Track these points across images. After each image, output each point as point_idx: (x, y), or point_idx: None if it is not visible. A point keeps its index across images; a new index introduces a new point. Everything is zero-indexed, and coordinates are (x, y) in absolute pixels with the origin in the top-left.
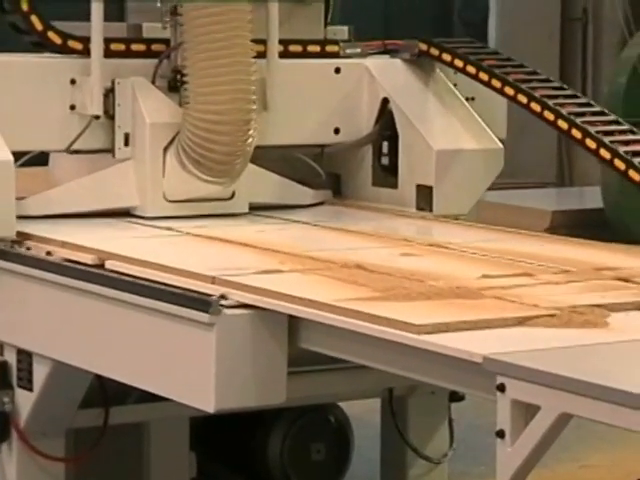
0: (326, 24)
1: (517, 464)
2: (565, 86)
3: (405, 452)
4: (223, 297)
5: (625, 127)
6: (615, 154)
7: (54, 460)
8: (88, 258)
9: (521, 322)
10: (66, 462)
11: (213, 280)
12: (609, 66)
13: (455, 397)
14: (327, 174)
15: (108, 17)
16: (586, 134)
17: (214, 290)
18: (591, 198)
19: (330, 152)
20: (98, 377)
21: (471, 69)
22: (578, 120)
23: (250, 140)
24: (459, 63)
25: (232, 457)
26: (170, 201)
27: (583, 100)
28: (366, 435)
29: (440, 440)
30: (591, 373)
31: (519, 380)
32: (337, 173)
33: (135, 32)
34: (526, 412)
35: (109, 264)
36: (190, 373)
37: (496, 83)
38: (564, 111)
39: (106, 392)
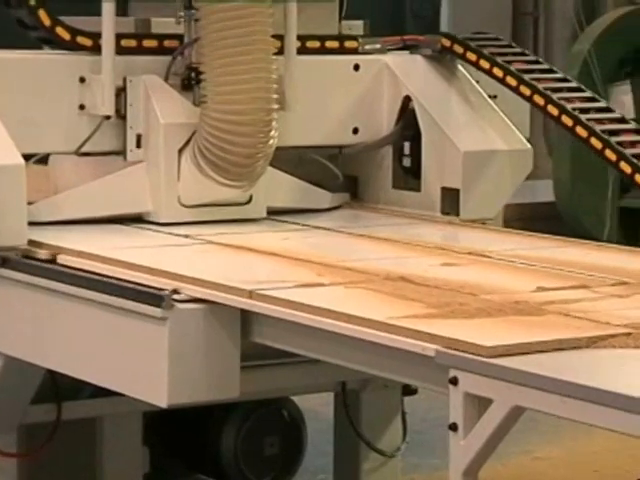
0: (341, 18)
1: (470, 457)
2: (541, 60)
3: (358, 445)
4: (175, 292)
5: (602, 104)
6: (592, 132)
7: (6, 456)
8: (109, 270)
9: (595, 342)
10: (19, 457)
11: (250, 295)
12: (561, 60)
13: (408, 391)
14: (344, 176)
15: None
16: (562, 111)
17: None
18: (543, 192)
19: (349, 153)
20: (50, 372)
21: (498, 72)
22: (555, 96)
23: (271, 142)
24: (485, 64)
25: (186, 452)
26: (185, 206)
27: (560, 75)
28: (319, 429)
29: (393, 433)
30: (542, 367)
31: (471, 373)
32: (354, 175)
33: (144, 27)
34: (479, 405)
35: (125, 274)
36: (143, 368)
37: (512, 82)
38: (540, 86)
39: (58, 387)
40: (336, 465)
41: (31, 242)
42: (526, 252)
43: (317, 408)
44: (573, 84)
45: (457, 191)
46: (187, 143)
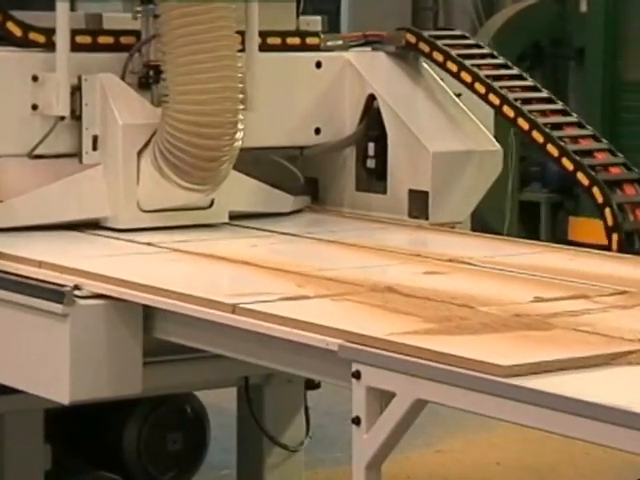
0: (298, 14)
1: (373, 450)
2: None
3: (262, 440)
4: (77, 287)
5: (544, 94)
6: (534, 125)
7: None
8: (70, 280)
9: (614, 358)
10: None
11: (234, 309)
12: None
13: (311, 385)
14: (304, 178)
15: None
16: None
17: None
18: None
19: (310, 154)
20: None
21: (466, 76)
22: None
23: (236, 144)
24: (452, 66)
25: (89, 449)
26: (145, 211)
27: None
28: (222, 424)
29: (296, 428)
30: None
31: (374, 367)
32: (315, 177)
33: (94, 23)
34: (381, 399)
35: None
36: (45, 365)
37: (481, 89)
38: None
39: None
40: (240, 460)
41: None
42: (507, 259)
43: (220, 403)
44: (544, 94)
45: (426, 194)
46: (146, 145)
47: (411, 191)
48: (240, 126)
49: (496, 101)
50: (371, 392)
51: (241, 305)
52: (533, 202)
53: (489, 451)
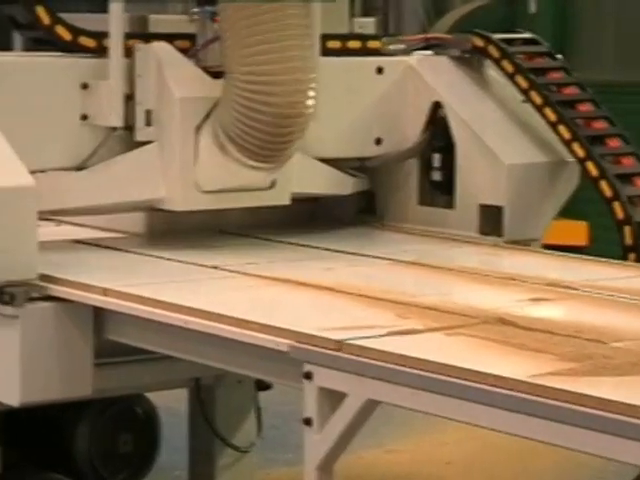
0: (352, 15)
1: (325, 451)
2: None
3: (213, 441)
4: (27, 290)
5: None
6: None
7: None
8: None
9: None
10: None
11: (340, 346)
12: None
13: (262, 386)
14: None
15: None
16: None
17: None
18: None
19: (371, 166)
20: None
21: (536, 98)
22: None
23: (308, 111)
24: (523, 83)
25: (39, 451)
26: (203, 191)
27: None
28: (173, 424)
29: (248, 429)
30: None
31: (325, 368)
32: (372, 191)
33: (140, 25)
34: (333, 399)
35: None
36: None
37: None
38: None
39: None
40: (191, 461)
41: (56, 279)
42: (610, 283)
43: (171, 404)
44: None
45: (500, 209)
46: (205, 119)
47: (482, 206)
48: (312, 94)
49: (566, 135)
50: (322, 393)
51: (348, 342)
52: None
53: (437, 451)
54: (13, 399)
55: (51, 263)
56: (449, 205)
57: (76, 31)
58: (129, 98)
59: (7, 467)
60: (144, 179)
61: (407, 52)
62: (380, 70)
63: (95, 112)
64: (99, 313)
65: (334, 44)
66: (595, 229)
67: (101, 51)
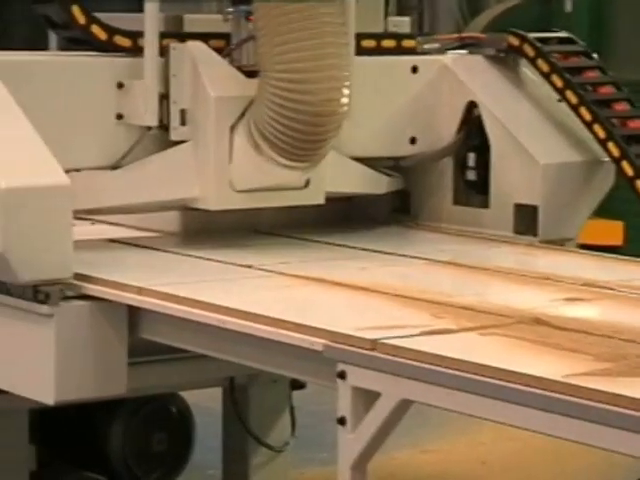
0: (386, 14)
1: (358, 450)
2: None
3: (247, 441)
4: (62, 289)
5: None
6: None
7: None
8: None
9: None
10: None
11: (374, 346)
12: None
13: (296, 385)
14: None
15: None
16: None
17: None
18: None
19: (406, 165)
20: None
21: (572, 97)
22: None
23: (343, 109)
24: (558, 82)
25: (74, 449)
26: (238, 191)
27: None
28: (208, 424)
29: (282, 428)
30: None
31: (359, 367)
32: (406, 190)
33: (175, 25)
34: (367, 399)
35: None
36: (30, 365)
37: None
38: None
39: None
40: (225, 460)
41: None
42: None
43: (205, 403)
44: None
45: (535, 208)
46: (240, 119)
47: (518, 205)
48: (346, 99)
49: (601, 134)
50: (356, 392)
51: (382, 341)
52: None
53: (472, 451)
54: (48, 398)
55: (86, 262)
56: (484, 205)
57: (111, 30)
58: (164, 97)
59: (42, 465)
60: (178, 178)
61: (442, 51)
62: (415, 69)
63: (130, 111)
64: (133, 312)
65: (369, 43)
66: (631, 229)
67: (136, 50)
